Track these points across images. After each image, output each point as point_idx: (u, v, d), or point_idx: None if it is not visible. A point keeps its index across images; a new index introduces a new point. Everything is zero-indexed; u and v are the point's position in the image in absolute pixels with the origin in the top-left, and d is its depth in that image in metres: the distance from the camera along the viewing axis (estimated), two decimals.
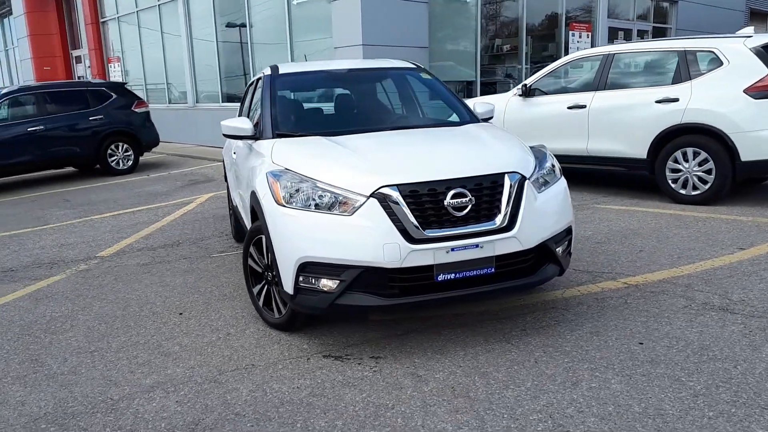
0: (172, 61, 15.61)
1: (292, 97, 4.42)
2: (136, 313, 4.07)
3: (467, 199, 3.07)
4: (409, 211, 3.01)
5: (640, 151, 6.57)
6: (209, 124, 13.45)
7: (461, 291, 3.12)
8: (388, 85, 4.73)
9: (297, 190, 3.18)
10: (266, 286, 3.63)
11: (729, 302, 3.68)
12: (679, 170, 6.30)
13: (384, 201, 3.02)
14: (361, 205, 3.03)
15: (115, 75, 17.45)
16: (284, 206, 3.18)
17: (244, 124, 4.05)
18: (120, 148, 10.80)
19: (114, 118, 10.63)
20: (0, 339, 3.75)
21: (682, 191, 6.34)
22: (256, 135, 4.03)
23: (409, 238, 2.99)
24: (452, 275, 3.08)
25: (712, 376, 2.82)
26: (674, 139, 6.30)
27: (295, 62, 5.69)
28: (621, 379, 2.85)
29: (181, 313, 4.02)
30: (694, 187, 6.26)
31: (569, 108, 7.14)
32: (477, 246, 3.07)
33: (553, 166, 3.63)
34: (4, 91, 9.92)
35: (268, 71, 4.62)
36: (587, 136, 7.03)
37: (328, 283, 3.07)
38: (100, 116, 10.44)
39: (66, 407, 2.86)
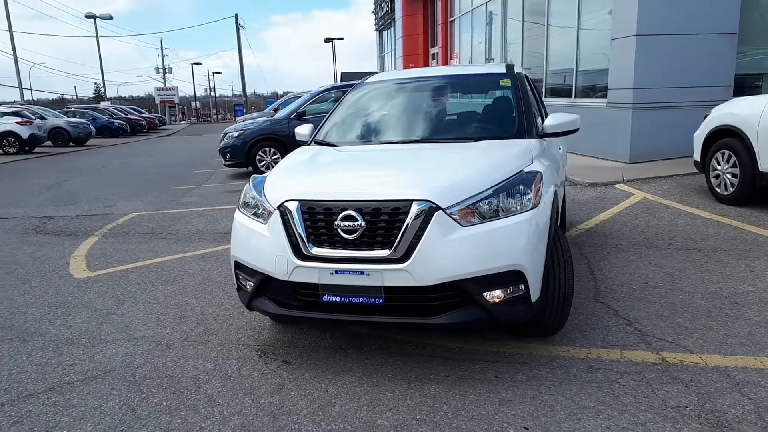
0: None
1: (358, 106, 4.59)
2: (196, 287, 4.75)
3: (357, 223, 2.91)
4: (302, 226, 3.03)
5: None
6: None
7: (344, 316, 3.00)
8: (464, 93, 4.45)
9: (250, 196, 3.49)
10: None
11: (755, 419, 2.50)
12: None
13: (285, 214, 3.11)
14: (270, 216, 3.18)
15: None
16: (238, 209, 3.54)
17: (305, 131, 4.47)
18: None
19: None
20: (93, 285, 4.92)
21: None
22: (308, 141, 4.42)
23: (299, 254, 3.02)
24: (337, 298, 2.98)
25: None
26: None
27: (396, 70, 5.71)
28: None
29: (224, 291, 4.66)
30: None
31: None
32: (362, 273, 2.90)
33: (527, 197, 3.02)
34: (322, 88, 12.16)
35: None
36: None
37: (251, 284, 3.33)
38: None
39: (15, 338, 3.85)
